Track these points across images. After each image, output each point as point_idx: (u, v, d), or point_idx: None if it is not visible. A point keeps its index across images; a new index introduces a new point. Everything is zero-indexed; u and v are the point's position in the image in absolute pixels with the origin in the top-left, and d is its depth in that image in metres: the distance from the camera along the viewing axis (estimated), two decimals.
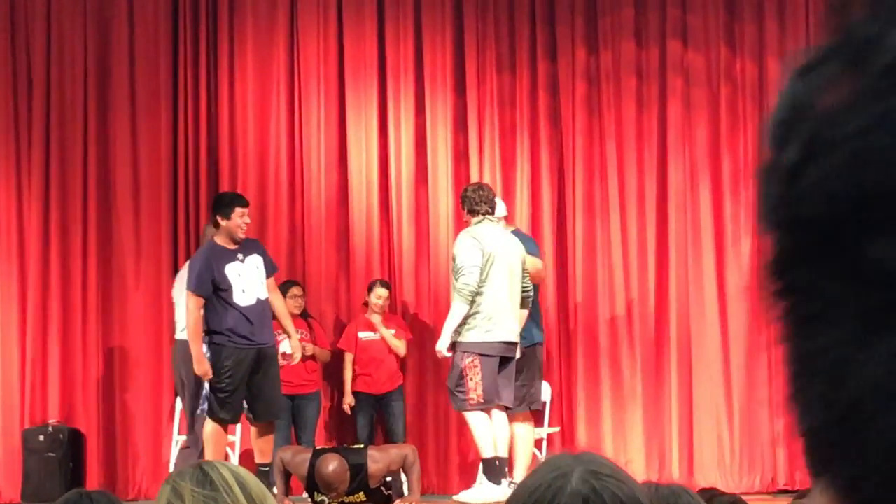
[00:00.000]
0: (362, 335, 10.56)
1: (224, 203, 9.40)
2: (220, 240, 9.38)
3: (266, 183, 11.11)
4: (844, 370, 0.61)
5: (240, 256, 9.34)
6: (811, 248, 0.62)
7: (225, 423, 9.43)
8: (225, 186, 11.06)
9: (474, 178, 10.89)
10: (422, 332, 10.67)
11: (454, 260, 9.20)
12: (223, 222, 9.29)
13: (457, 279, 9.10)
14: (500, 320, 9.20)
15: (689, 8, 10.93)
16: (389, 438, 10.39)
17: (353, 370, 10.57)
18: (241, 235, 9.33)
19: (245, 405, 9.51)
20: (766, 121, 0.65)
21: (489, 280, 9.16)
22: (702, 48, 10.91)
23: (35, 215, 11.07)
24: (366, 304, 10.62)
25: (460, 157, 11.02)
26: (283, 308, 9.73)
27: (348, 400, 10.57)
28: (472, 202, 9.29)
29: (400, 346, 10.46)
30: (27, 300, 11.02)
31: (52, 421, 10.74)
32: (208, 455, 9.07)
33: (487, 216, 9.29)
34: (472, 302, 9.11)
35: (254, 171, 11.13)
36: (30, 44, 11.21)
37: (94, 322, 11.01)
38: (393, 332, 10.51)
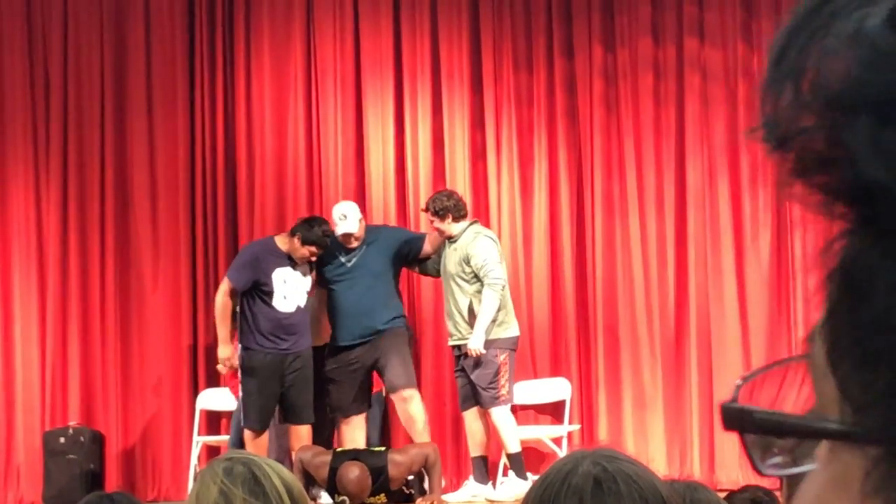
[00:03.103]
0: None
1: (312, 233, 9.44)
2: (280, 242, 9.51)
3: (284, 183, 11.12)
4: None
5: (291, 262, 9.45)
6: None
7: (253, 429, 9.49)
8: (243, 188, 11.08)
9: (492, 176, 10.91)
10: (441, 330, 10.62)
11: (467, 261, 9.31)
12: (297, 242, 9.42)
13: (485, 275, 9.26)
14: (513, 315, 9.58)
15: (706, 5, 10.90)
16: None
17: None
18: (298, 262, 9.47)
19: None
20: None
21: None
22: (719, 45, 10.88)
23: (53, 219, 11.11)
24: None
25: (478, 155, 11.01)
26: None
27: None
28: (458, 208, 9.58)
29: None
30: (46, 303, 11.05)
31: (72, 423, 10.75)
32: None
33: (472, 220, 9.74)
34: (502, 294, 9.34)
35: (271, 171, 11.13)
36: (46, 48, 11.24)
37: (113, 324, 11.03)
38: None
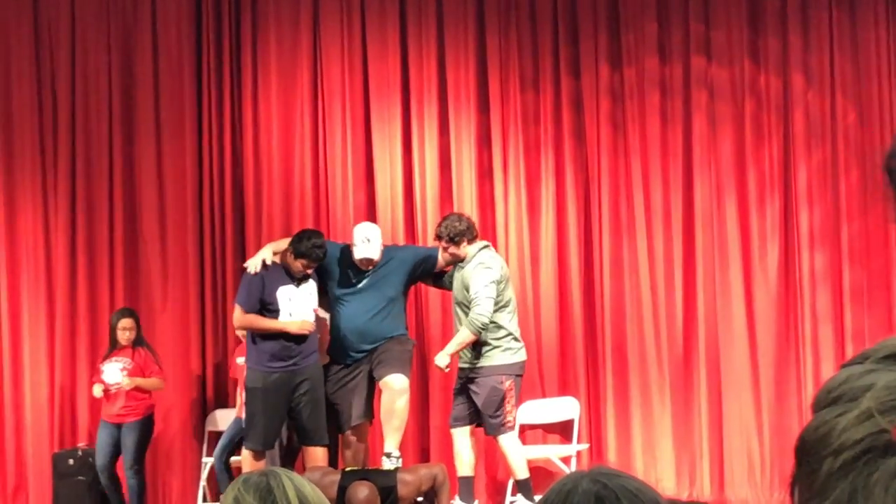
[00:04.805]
0: (239, 360, 10.42)
1: (301, 246, 9.31)
2: (279, 260, 9.43)
3: (291, 203, 11.13)
4: None
5: (295, 280, 9.40)
6: None
7: (255, 450, 9.41)
8: (250, 208, 11.09)
9: (499, 196, 10.91)
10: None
11: (468, 289, 9.22)
12: (290, 257, 9.36)
13: (473, 307, 9.18)
14: (520, 339, 9.44)
15: (713, 23, 10.91)
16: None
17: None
18: (296, 276, 9.40)
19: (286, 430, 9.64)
20: None
21: (511, 301, 9.30)
22: (725, 63, 10.89)
23: (62, 240, 11.12)
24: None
25: (485, 175, 11.02)
26: None
27: None
28: (470, 231, 9.45)
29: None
30: (55, 324, 11.06)
31: (81, 444, 10.76)
32: None
33: (484, 241, 9.59)
34: (481, 332, 9.16)
35: (279, 192, 11.15)
36: (54, 70, 11.27)
37: None
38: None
